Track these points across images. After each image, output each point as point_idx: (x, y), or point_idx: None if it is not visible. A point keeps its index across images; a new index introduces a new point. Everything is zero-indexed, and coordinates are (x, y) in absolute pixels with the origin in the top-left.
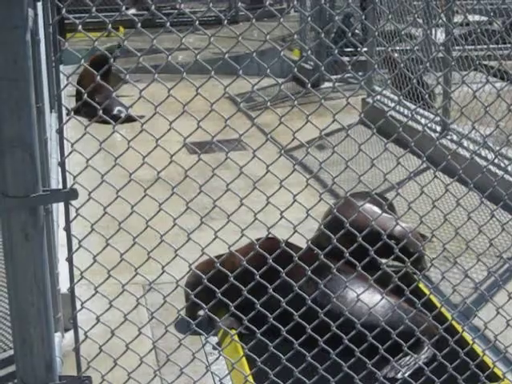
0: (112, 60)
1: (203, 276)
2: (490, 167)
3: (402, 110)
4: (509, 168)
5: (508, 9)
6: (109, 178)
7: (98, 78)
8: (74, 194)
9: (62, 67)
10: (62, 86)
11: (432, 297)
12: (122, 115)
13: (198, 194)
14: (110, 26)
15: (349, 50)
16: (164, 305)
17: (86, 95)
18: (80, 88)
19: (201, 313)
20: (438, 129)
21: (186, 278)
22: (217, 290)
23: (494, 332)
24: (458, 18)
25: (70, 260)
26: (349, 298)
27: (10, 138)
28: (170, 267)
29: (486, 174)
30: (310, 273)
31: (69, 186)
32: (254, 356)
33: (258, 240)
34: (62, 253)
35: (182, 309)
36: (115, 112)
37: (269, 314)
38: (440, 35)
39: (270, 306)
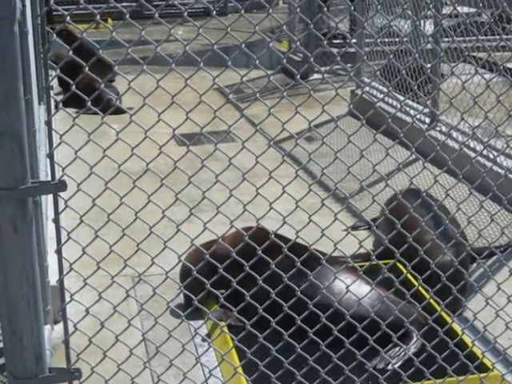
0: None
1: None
2: (479, 158)
3: (391, 101)
4: (497, 159)
5: (497, 0)
6: (97, 170)
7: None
8: (62, 185)
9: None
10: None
11: (421, 288)
12: (112, 104)
13: (187, 185)
14: (98, 17)
15: (337, 41)
16: (153, 297)
17: (74, 87)
18: (69, 80)
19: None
20: (427, 120)
21: (177, 267)
22: (206, 281)
23: (483, 323)
24: (446, 10)
25: (58, 252)
26: (338, 289)
27: None
28: (160, 259)
29: (475, 165)
30: (299, 264)
31: (57, 177)
32: (244, 347)
33: (245, 229)
34: (51, 245)
35: (171, 300)
36: (105, 102)
37: (258, 306)
38: (429, 27)
39: (259, 297)
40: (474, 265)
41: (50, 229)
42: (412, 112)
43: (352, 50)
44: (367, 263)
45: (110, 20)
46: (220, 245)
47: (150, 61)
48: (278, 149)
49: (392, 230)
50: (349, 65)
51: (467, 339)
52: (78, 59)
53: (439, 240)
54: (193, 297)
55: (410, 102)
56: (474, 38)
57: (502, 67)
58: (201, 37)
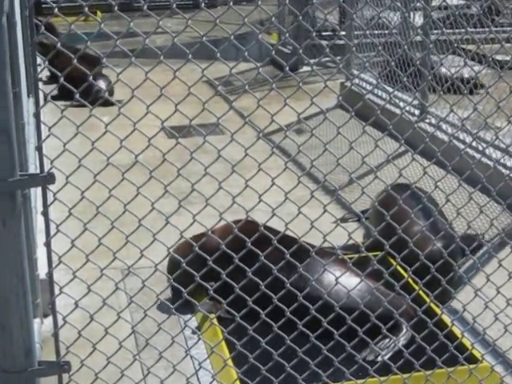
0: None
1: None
2: (468, 150)
3: (380, 93)
4: (486, 151)
5: None
6: (86, 163)
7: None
8: (51, 178)
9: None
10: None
11: (410, 280)
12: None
13: (176, 177)
14: (86, 9)
15: (327, 33)
16: (143, 289)
17: (62, 79)
18: (56, 71)
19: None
20: (417, 112)
21: (166, 260)
22: (195, 273)
23: (472, 314)
24: (436, 2)
25: (47, 245)
26: (327, 281)
27: None
28: (149, 251)
29: (464, 157)
30: (288, 256)
31: (46, 170)
32: (234, 340)
33: (235, 222)
34: (40, 238)
35: (161, 293)
36: (94, 94)
37: (248, 298)
38: (418, 19)
39: (249, 290)
40: (474, 270)
41: (39, 222)
42: (401, 104)
43: (341, 42)
44: (357, 255)
45: (99, 12)
46: (210, 238)
47: (138, 53)
48: (268, 141)
49: (382, 222)
50: (338, 57)
51: (456, 331)
52: (66, 51)
53: (429, 232)
54: (182, 289)
55: (400, 94)
56: (464, 30)
57: (491, 59)
58: (190, 29)
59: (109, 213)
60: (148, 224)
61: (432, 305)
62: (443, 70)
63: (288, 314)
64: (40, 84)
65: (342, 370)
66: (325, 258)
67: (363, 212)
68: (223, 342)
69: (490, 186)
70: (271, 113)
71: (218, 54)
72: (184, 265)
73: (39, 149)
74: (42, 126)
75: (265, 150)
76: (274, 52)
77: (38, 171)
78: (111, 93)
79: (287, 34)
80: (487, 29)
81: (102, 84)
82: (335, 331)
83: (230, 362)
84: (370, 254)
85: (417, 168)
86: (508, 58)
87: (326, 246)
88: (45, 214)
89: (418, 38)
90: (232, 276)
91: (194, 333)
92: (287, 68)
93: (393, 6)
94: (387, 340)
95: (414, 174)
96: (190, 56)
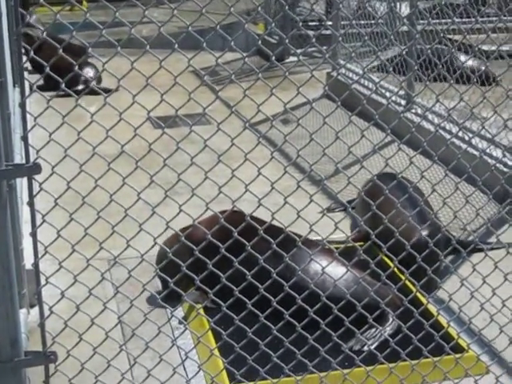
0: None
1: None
2: (454, 140)
3: (366, 83)
4: (472, 141)
5: None
6: (72, 153)
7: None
8: (37, 168)
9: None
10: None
11: (396, 269)
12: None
13: (162, 168)
14: None
15: (313, 23)
16: (129, 279)
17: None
18: (42, 61)
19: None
20: (403, 102)
21: (153, 250)
22: (182, 263)
23: (458, 304)
24: None
25: (33, 235)
26: (314, 271)
27: None
28: (135, 242)
29: (450, 147)
30: (274, 246)
31: (32, 160)
32: (220, 329)
33: (222, 212)
34: (26, 228)
35: (147, 283)
36: (81, 84)
37: (234, 288)
38: (404, 9)
39: (235, 280)
40: (460, 259)
41: (25, 212)
42: (387, 94)
43: (328, 32)
44: (343, 245)
45: (84, 2)
46: (196, 229)
47: (124, 43)
48: (254, 131)
49: (368, 212)
50: (324, 47)
51: (442, 320)
52: (52, 41)
53: (415, 222)
54: (168, 279)
55: (386, 84)
56: (450, 20)
57: (477, 49)
58: (176, 19)
59: (95, 203)
60: (134, 214)
61: (418, 294)
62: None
63: (274, 303)
64: (26, 74)
65: (328, 360)
66: (311, 248)
67: (350, 202)
68: (209, 332)
69: (476, 176)
70: (257, 103)
71: (204, 44)
72: (171, 255)
73: (25, 139)
74: (28, 116)
75: (251, 140)
76: (260, 42)
77: (24, 161)
78: (99, 80)
79: (273, 24)
80: (473, 19)
81: (89, 72)
82: (321, 321)
83: (216, 352)
84: (357, 244)
85: (403, 158)
86: (494, 48)
87: (313, 236)
88: (30, 204)
89: (405, 28)
90: (219, 266)
91: (180, 323)
92: (273, 58)
93: None
94: (373, 330)
95: (400, 164)
96: (176, 46)
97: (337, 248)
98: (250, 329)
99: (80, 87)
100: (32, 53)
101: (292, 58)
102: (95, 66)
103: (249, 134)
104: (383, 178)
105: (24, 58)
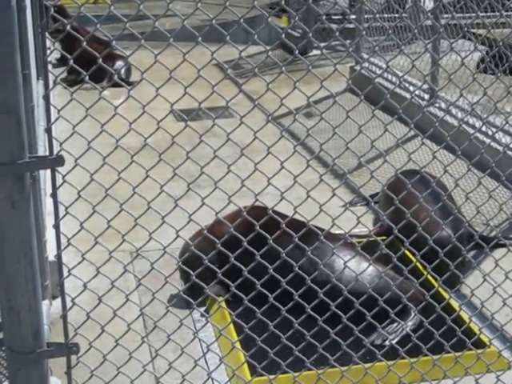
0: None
1: (203, 256)
2: (478, 135)
3: (390, 77)
4: (496, 135)
5: None
6: (96, 145)
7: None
8: (60, 160)
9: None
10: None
11: (418, 264)
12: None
13: (185, 161)
14: None
15: (337, 17)
16: (151, 272)
17: (71, 61)
18: (66, 54)
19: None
20: (426, 96)
21: (175, 243)
22: (204, 256)
23: (480, 299)
24: None
25: (56, 227)
26: (336, 265)
27: None
28: (157, 234)
29: (474, 142)
30: (297, 240)
31: (55, 152)
32: (242, 323)
33: (245, 208)
34: (49, 220)
35: (169, 275)
36: (108, 76)
37: (256, 281)
38: (428, 3)
39: (257, 273)
40: (482, 255)
41: (48, 204)
42: (411, 88)
43: (351, 25)
44: (365, 239)
45: None
46: (221, 224)
47: (148, 36)
48: (277, 124)
49: (391, 207)
50: (348, 41)
51: (464, 315)
52: (76, 34)
53: (439, 217)
54: (191, 272)
55: (410, 78)
56: (474, 14)
57: (501, 44)
58: (199, 12)
59: (118, 195)
60: (157, 207)
61: (440, 289)
62: None
63: (296, 297)
64: (49, 67)
65: (349, 354)
66: (333, 242)
67: (372, 196)
68: (231, 325)
69: (499, 171)
70: (280, 96)
71: (228, 37)
72: (193, 248)
73: (48, 131)
74: (52, 108)
75: (274, 133)
76: (283, 35)
77: (47, 153)
78: (129, 74)
79: (297, 18)
80: (498, 13)
81: (119, 65)
82: (343, 315)
83: (237, 345)
84: (379, 239)
85: (426, 152)
86: None
87: (335, 230)
88: (54, 196)
89: (429, 22)
90: (242, 261)
91: (202, 315)
92: (297, 51)
93: None
94: (395, 324)
95: (424, 159)
96: (200, 39)
97: (359, 242)
98: (271, 322)
99: (106, 81)
100: (57, 44)
101: (315, 52)
102: (126, 59)
103: (272, 128)
104: (408, 175)
105: (48, 51)
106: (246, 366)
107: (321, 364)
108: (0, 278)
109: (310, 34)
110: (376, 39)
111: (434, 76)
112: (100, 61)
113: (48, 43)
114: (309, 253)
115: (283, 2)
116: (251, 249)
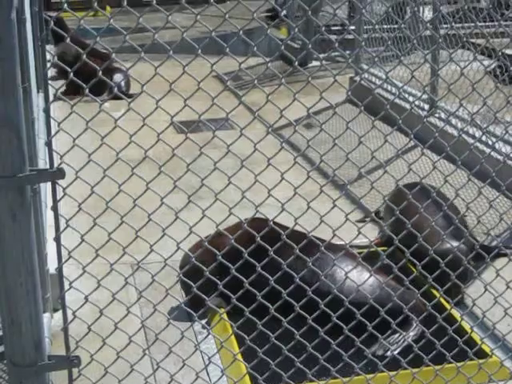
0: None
1: (203, 267)
2: (478, 144)
3: (389, 88)
4: (496, 145)
5: None
6: (96, 158)
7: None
8: (60, 173)
9: (48, 47)
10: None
11: (420, 275)
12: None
13: (186, 172)
14: (95, 4)
15: (336, 28)
16: (152, 284)
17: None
18: (66, 67)
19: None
20: (426, 107)
21: (176, 255)
22: (204, 268)
23: (481, 309)
24: None
25: (57, 240)
26: (337, 276)
27: None
28: (158, 246)
29: (474, 152)
30: (297, 251)
31: (56, 165)
32: (243, 334)
33: (245, 220)
34: (50, 233)
35: (170, 287)
36: (109, 89)
37: (257, 293)
38: (427, 13)
39: (258, 285)
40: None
41: (49, 217)
42: (411, 98)
43: (351, 36)
44: (366, 250)
45: (108, 7)
46: (221, 237)
47: (148, 48)
48: (277, 136)
49: (397, 222)
50: (347, 51)
51: (466, 325)
52: (79, 49)
53: (443, 229)
54: (192, 283)
55: (409, 89)
56: (473, 24)
57: (500, 53)
58: (199, 24)
59: (118, 208)
60: (157, 219)
61: (442, 300)
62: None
63: (297, 308)
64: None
65: (351, 365)
66: (335, 253)
67: (377, 213)
68: (233, 337)
69: (499, 181)
70: (280, 108)
71: (227, 49)
72: (194, 260)
73: (49, 144)
74: (52, 121)
75: (274, 144)
76: (283, 47)
77: (48, 166)
78: (128, 87)
79: (296, 29)
80: (497, 23)
81: (118, 78)
82: (344, 326)
83: (239, 357)
84: (379, 249)
85: (426, 163)
86: None
87: (336, 241)
88: (54, 209)
89: (428, 33)
90: (243, 273)
91: (203, 327)
92: (296, 63)
93: (402, 0)
94: (397, 335)
95: (424, 169)
96: (200, 51)
97: (360, 253)
98: (272, 334)
99: (107, 94)
100: (55, 58)
101: (315, 63)
102: (125, 72)
103: (272, 139)
104: (410, 188)
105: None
106: (247, 377)
107: (322, 375)
108: (1, 290)
109: (310, 45)
110: (375, 50)
111: (434, 86)
112: (100, 73)
113: (48, 56)
114: (310, 264)
115: (282, 14)
116: (252, 260)
